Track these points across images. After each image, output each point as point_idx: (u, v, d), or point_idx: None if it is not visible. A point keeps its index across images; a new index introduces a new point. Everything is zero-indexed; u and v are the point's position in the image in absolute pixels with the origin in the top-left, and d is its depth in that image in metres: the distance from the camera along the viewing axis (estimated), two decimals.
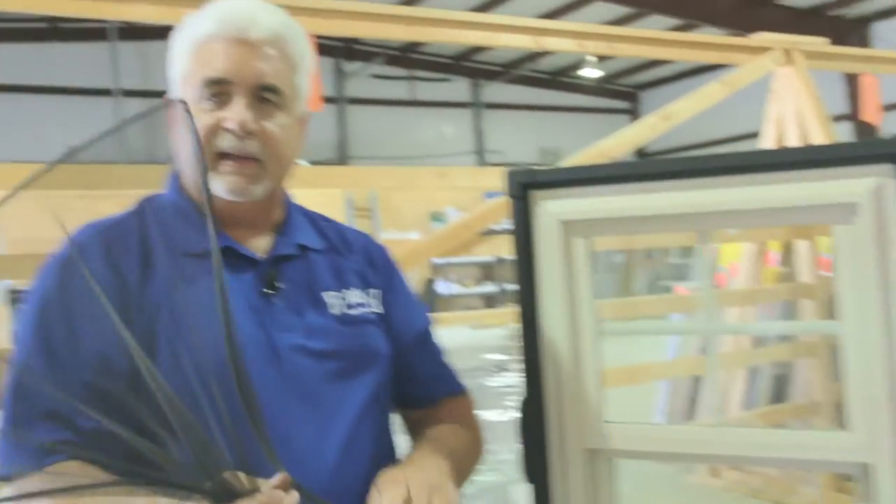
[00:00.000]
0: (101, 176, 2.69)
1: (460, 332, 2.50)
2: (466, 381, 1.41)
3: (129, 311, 1.07)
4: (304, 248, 1.26)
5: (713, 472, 4.76)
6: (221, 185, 1.16)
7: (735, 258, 4.81)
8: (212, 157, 1.16)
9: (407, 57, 15.99)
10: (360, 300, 1.26)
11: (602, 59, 15.02)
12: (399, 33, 3.05)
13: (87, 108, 13.76)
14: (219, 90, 1.16)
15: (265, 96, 1.17)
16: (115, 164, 2.96)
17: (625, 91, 18.68)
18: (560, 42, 3.34)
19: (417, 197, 11.30)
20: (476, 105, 17.24)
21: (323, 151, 15.04)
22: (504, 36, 3.34)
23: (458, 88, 17.07)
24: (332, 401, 1.17)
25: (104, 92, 13.42)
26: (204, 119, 1.15)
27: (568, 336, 1.17)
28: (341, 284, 1.26)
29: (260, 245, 1.23)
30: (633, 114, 18.88)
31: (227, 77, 1.15)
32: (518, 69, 16.75)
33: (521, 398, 1.22)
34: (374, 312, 1.27)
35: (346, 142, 15.83)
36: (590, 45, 3.36)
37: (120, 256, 1.14)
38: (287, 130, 1.21)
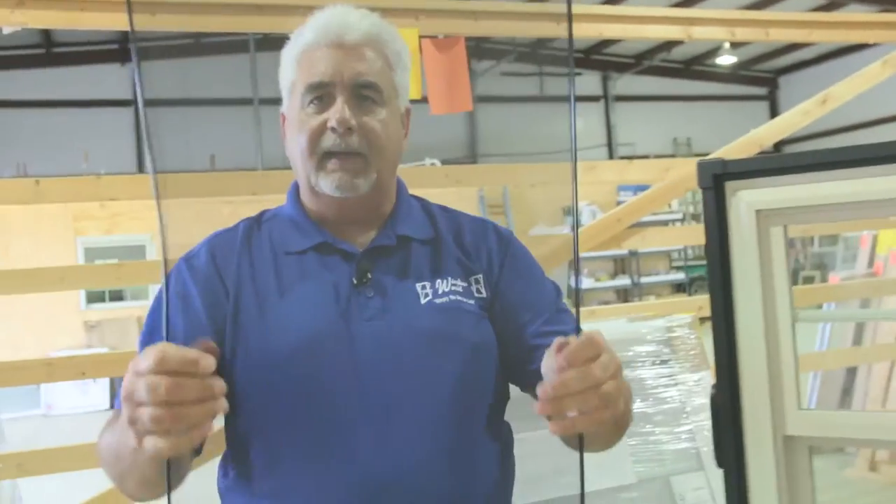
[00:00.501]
0: (242, 182, 2.86)
1: (617, 325, 2.51)
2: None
3: (221, 301, 1.23)
4: (406, 238, 1.29)
5: (871, 467, 4.58)
6: (328, 183, 1.23)
7: (895, 245, 4.60)
8: (318, 156, 1.23)
9: (536, 53, 15.94)
10: (453, 288, 1.27)
11: (737, 45, 14.55)
12: (548, 31, 3.08)
13: (229, 118, 14.45)
14: (321, 93, 1.23)
15: (364, 93, 1.24)
16: (252, 171, 3.12)
17: (762, 77, 18.01)
18: (709, 31, 3.29)
19: (549, 192, 11.28)
20: (606, 98, 17.02)
21: (454, 150, 15.21)
22: (651, 28, 3.31)
23: (588, 82, 16.90)
24: (410, 389, 1.18)
25: (246, 101, 14.04)
26: (309, 122, 1.23)
27: (763, 324, 1.18)
28: (436, 273, 1.27)
29: (362, 238, 1.29)
30: (772, 100, 18.20)
31: (327, 80, 1.22)
32: (650, 60, 16.42)
33: (713, 386, 1.23)
34: (472, 300, 1.27)
35: (476, 140, 15.96)
36: (741, 31, 3.28)
37: (222, 258, 1.27)
38: (388, 125, 1.26)
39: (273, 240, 1.29)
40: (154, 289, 9.26)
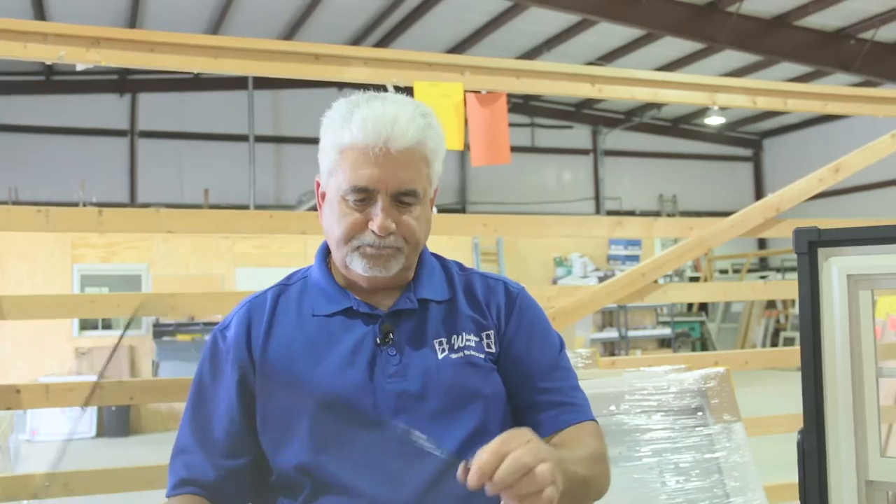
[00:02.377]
0: (235, 220, 2.97)
1: (655, 373, 2.63)
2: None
3: (250, 370, 1.36)
4: (426, 300, 1.40)
5: None
6: (362, 264, 1.34)
7: (894, 311, 4.77)
8: (354, 246, 1.33)
9: (528, 105, 16.26)
10: (467, 343, 1.38)
11: (724, 107, 14.93)
12: (585, 91, 3.24)
13: (224, 153, 14.57)
14: (364, 196, 1.31)
15: (404, 200, 1.33)
16: (245, 210, 3.23)
17: (747, 138, 18.45)
18: (733, 98, 3.47)
19: (543, 243, 11.44)
20: (595, 152, 17.34)
21: (444, 196, 15.41)
22: (677, 93, 3.49)
23: (578, 135, 17.23)
24: (431, 436, 1.27)
25: (241, 137, 14.17)
26: (352, 216, 1.32)
27: (848, 377, 1.30)
28: (452, 331, 1.39)
29: (386, 300, 1.39)
30: (756, 161, 18.61)
31: (372, 187, 1.30)
32: (639, 117, 16.78)
33: (800, 431, 1.35)
34: (482, 354, 1.38)
35: (466, 188, 16.16)
36: (763, 101, 3.47)
37: (254, 325, 1.39)
38: (421, 218, 1.36)
39: (301, 302, 1.40)
40: (147, 319, 9.26)
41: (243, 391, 1.35)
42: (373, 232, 1.31)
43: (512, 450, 1.06)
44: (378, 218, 1.30)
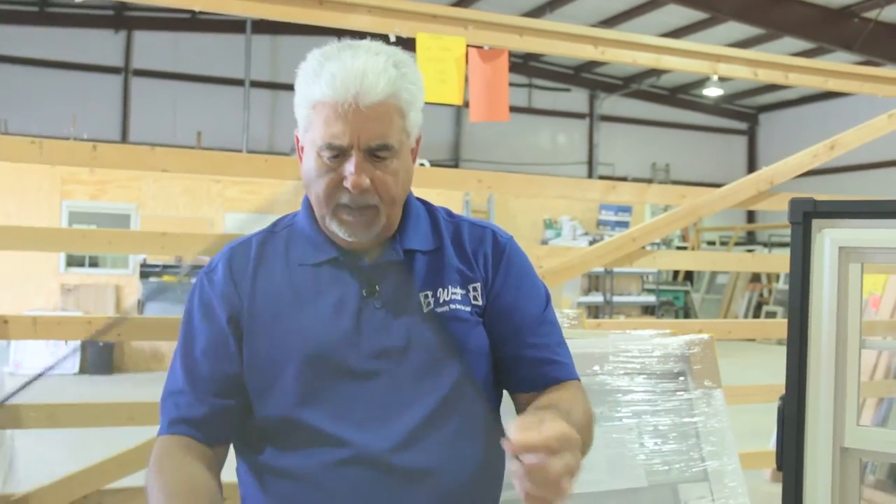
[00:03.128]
0: (230, 163, 2.97)
1: (641, 336, 2.67)
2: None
3: (239, 313, 1.36)
4: (412, 251, 1.39)
5: None
6: (341, 230, 1.33)
7: (877, 289, 4.82)
8: (333, 206, 1.31)
9: (527, 65, 16.15)
10: (452, 297, 1.37)
11: (724, 78, 14.88)
12: (587, 53, 3.23)
13: (219, 96, 14.44)
14: (337, 152, 1.28)
15: (379, 154, 1.29)
16: (240, 153, 3.22)
17: (744, 112, 18.42)
18: (735, 69, 3.47)
19: (534, 204, 11.45)
20: (592, 116, 17.28)
21: (438, 152, 15.35)
22: (680, 60, 3.48)
23: (575, 99, 17.15)
24: (414, 390, 1.31)
25: (236, 82, 14.04)
26: (328, 175, 1.30)
27: (833, 348, 1.33)
28: (438, 283, 1.38)
29: (372, 251, 1.38)
30: (751, 135, 18.61)
31: (344, 144, 1.27)
32: (638, 84, 16.71)
33: (781, 397, 1.38)
34: (468, 307, 1.38)
35: (460, 145, 16.12)
36: (764, 73, 3.47)
37: (238, 272, 1.38)
38: (399, 172, 1.33)
39: (288, 251, 1.40)
40: (134, 258, 9.27)
41: (233, 331, 1.35)
42: (348, 190, 1.29)
43: (559, 449, 1.06)
44: (352, 176, 1.28)
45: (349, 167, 1.28)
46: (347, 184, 1.28)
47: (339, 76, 1.26)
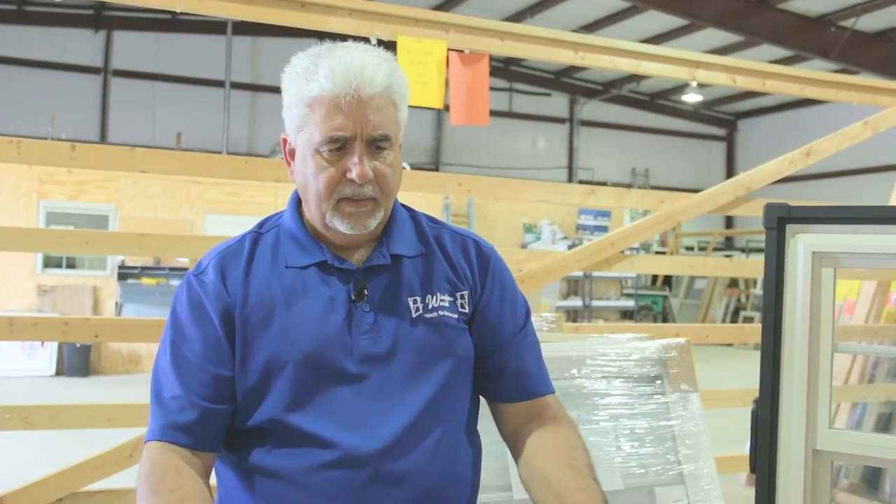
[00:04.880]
0: (209, 164, 2.96)
1: (618, 340, 2.68)
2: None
3: (231, 316, 1.34)
4: (399, 256, 1.40)
5: None
6: (342, 224, 1.33)
7: (851, 295, 4.88)
8: (334, 201, 1.32)
9: (508, 69, 16.20)
10: (441, 304, 1.39)
11: (703, 84, 15.00)
12: (567, 58, 3.25)
13: (199, 98, 14.38)
14: (339, 145, 1.30)
15: (379, 145, 1.32)
16: (220, 155, 3.21)
17: (722, 118, 18.57)
18: (713, 75, 3.51)
19: (514, 208, 11.48)
20: (572, 121, 17.36)
21: (419, 156, 15.37)
22: (659, 66, 3.51)
23: (555, 103, 17.22)
24: (399, 393, 1.33)
25: (216, 83, 13.98)
26: (329, 170, 1.30)
27: (805, 351, 1.35)
28: (426, 289, 1.39)
29: (359, 255, 1.39)
30: (730, 142, 18.76)
31: (348, 134, 1.29)
32: (618, 89, 16.80)
33: (755, 400, 1.40)
34: (455, 315, 1.40)
35: (440, 149, 16.13)
36: (742, 80, 3.51)
37: (230, 272, 1.37)
38: (394, 165, 1.35)
39: (276, 252, 1.39)
40: (112, 260, 9.20)
41: (226, 334, 1.34)
42: (351, 181, 1.30)
43: None
44: (356, 166, 1.29)
45: (353, 158, 1.30)
46: (352, 175, 1.29)
47: (338, 70, 1.28)
